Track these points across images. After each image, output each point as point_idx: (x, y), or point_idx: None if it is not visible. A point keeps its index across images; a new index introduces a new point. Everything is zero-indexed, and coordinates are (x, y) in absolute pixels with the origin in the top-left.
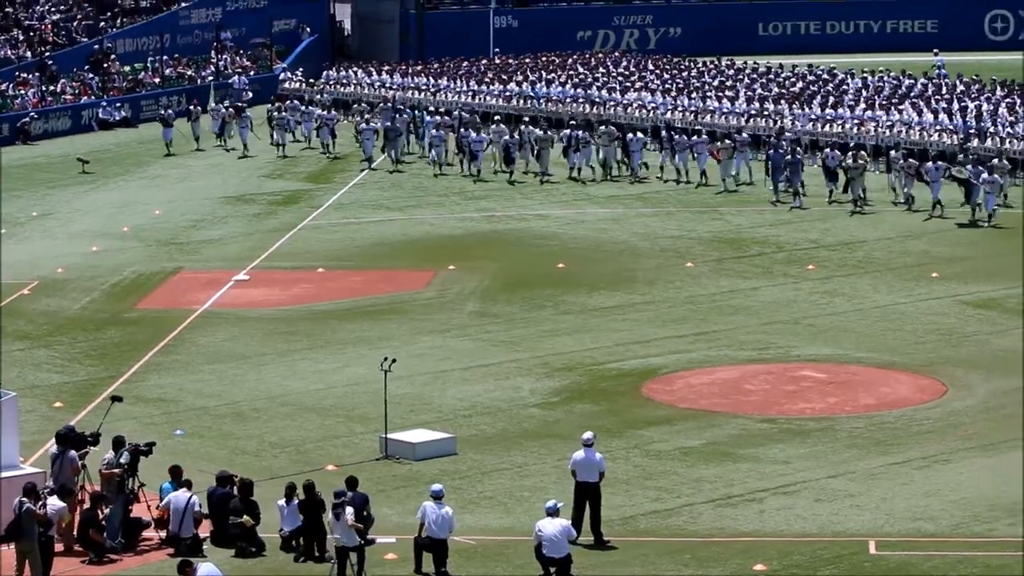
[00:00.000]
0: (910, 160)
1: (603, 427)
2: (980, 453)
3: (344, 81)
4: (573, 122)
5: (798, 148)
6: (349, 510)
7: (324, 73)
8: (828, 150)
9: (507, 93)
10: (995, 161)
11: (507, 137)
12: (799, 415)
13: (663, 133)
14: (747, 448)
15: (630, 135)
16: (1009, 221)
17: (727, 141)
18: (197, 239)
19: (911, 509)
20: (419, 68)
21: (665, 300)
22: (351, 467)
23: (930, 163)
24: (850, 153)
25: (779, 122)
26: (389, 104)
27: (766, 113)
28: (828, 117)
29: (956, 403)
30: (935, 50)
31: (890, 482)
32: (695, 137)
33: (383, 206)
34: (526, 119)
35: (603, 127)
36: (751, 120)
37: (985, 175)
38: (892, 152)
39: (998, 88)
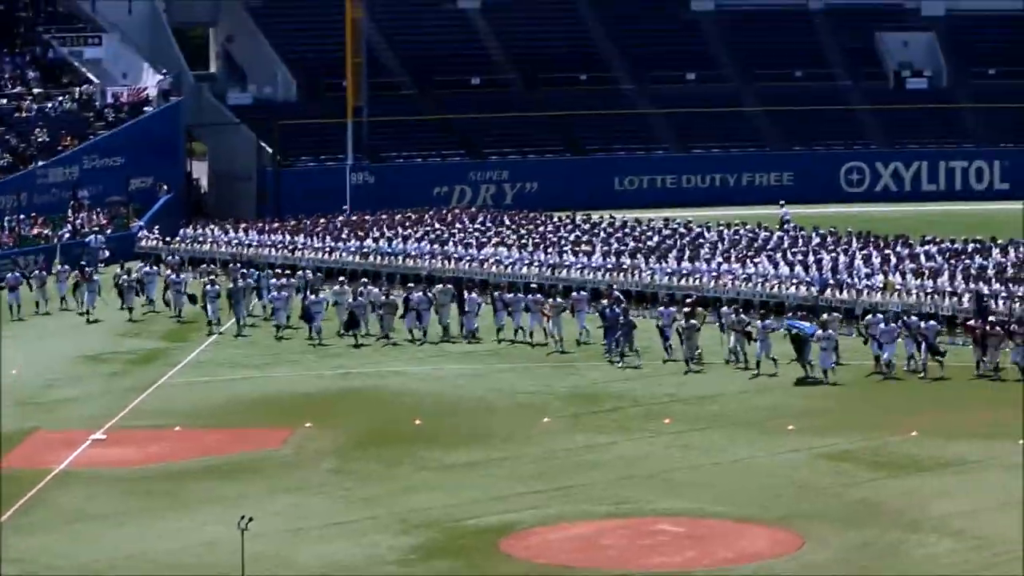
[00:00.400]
0: (741, 317)
1: None
2: None
3: (201, 239)
4: (411, 284)
5: (629, 308)
6: None
7: (181, 231)
8: (663, 308)
9: (364, 250)
10: (825, 316)
11: (350, 299)
12: (656, 569)
13: (495, 292)
14: None
15: (467, 294)
16: (847, 377)
17: (558, 300)
18: (54, 398)
19: None
20: (275, 225)
21: (522, 456)
22: None
23: (759, 321)
24: (684, 311)
25: (637, 276)
26: (236, 265)
27: (623, 267)
28: (684, 271)
29: (812, 556)
30: (781, 201)
31: None
32: (529, 296)
33: (239, 364)
34: (365, 281)
35: (440, 286)
36: (608, 274)
37: (820, 331)
38: (723, 308)
39: (854, 240)
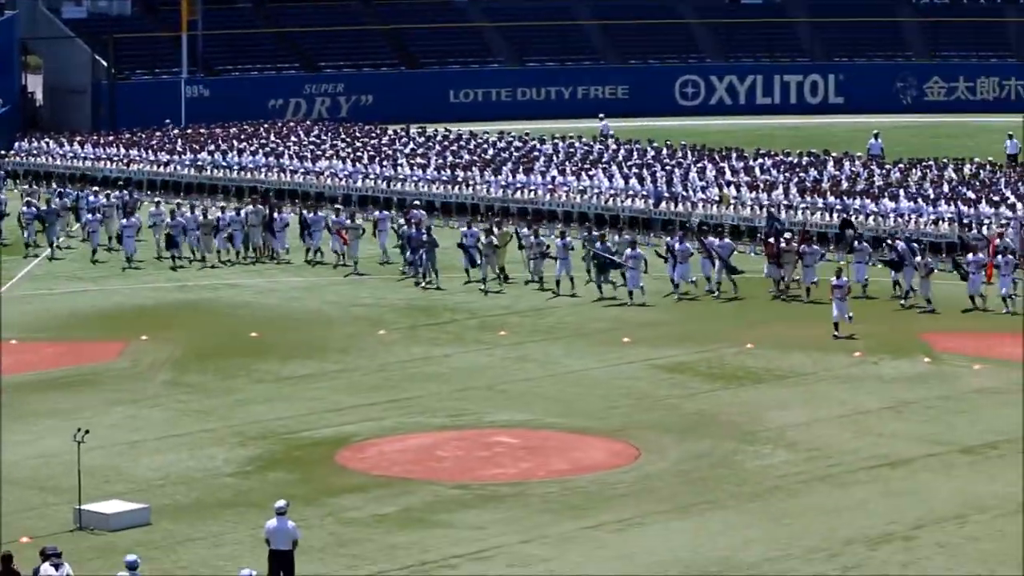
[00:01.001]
0: (540, 239)
1: (297, 495)
2: (674, 516)
3: (36, 152)
4: (223, 205)
5: (432, 227)
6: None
7: (16, 144)
8: (466, 228)
9: (198, 162)
10: (618, 236)
11: (168, 220)
12: (492, 480)
13: (302, 213)
14: (441, 514)
15: (276, 215)
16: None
17: (357, 222)
18: None
19: (606, 573)
20: (111, 138)
21: (358, 368)
22: (45, 538)
23: (558, 239)
24: (484, 228)
25: (473, 188)
26: (52, 187)
27: (458, 180)
28: (519, 184)
29: (649, 467)
30: (600, 114)
31: (584, 546)
32: (333, 216)
33: (76, 277)
34: (178, 202)
35: (251, 207)
36: (443, 187)
37: (629, 251)
38: (524, 230)
39: (689, 153)
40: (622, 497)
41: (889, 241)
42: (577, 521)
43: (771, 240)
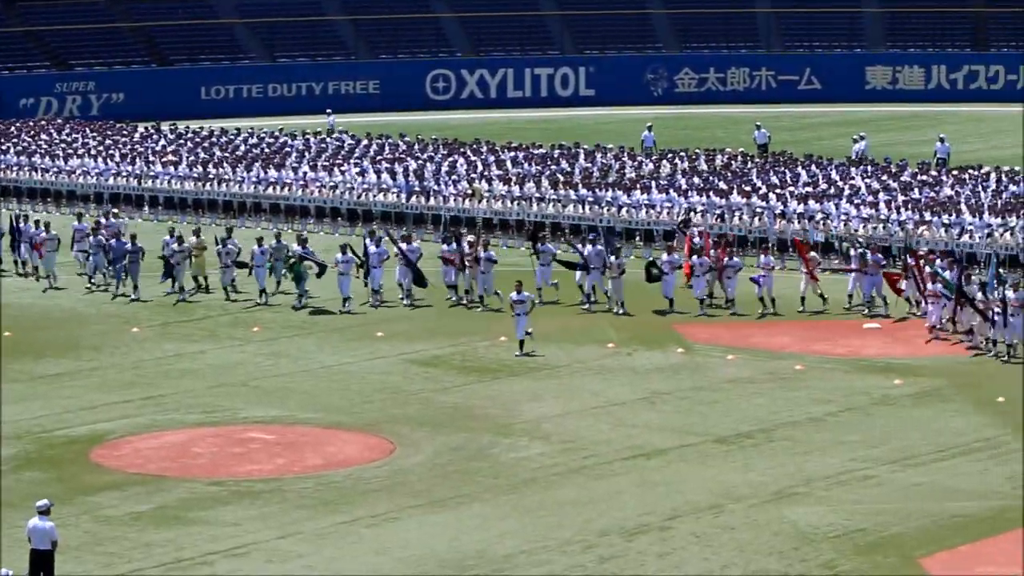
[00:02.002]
0: (229, 248)
1: (52, 494)
2: (428, 510)
3: None
4: None
5: (136, 235)
6: None
7: None
8: (167, 238)
9: None
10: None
11: None
12: (248, 477)
13: (12, 223)
14: (197, 511)
15: (24, 226)
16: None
17: (52, 233)
18: None
19: (360, 568)
20: None
21: (112, 365)
22: None
23: (256, 247)
24: (176, 236)
25: (226, 185)
26: None
27: (210, 177)
28: (271, 180)
29: (404, 461)
30: (328, 109)
31: (339, 541)
32: (32, 228)
33: None
34: None
35: None
36: (194, 184)
37: (339, 256)
38: (222, 237)
39: (440, 147)
40: (377, 492)
41: (578, 245)
42: (332, 516)
43: (449, 247)
